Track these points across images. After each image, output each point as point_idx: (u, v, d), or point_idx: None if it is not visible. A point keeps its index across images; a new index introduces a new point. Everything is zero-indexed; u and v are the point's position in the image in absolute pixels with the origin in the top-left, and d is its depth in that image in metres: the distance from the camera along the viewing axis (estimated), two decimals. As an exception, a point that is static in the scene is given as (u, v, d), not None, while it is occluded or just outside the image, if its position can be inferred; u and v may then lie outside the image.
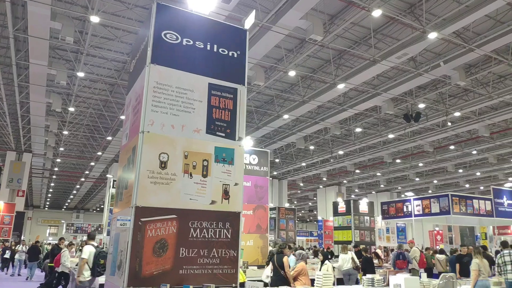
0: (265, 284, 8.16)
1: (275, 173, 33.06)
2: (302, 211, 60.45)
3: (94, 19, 11.73)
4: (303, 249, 15.92)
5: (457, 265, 10.86)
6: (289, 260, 7.89)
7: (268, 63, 15.36)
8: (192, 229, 4.13)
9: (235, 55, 4.79)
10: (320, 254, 10.90)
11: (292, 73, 15.56)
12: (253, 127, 22.05)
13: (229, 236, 4.31)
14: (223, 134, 4.47)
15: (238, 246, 4.36)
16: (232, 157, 4.48)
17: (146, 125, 4.12)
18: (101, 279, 7.37)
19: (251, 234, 10.20)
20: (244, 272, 8.47)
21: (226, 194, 4.35)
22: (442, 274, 6.52)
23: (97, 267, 7.12)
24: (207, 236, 4.19)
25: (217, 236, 4.25)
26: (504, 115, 19.11)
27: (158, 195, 4.03)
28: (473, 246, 8.82)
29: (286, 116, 20.00)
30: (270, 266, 8.00)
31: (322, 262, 10.00)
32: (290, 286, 7.12)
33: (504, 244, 8.59)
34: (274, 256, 7.72)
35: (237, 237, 4.37)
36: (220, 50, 4.69)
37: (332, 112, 19.93)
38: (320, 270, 9.81)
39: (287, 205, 34.10)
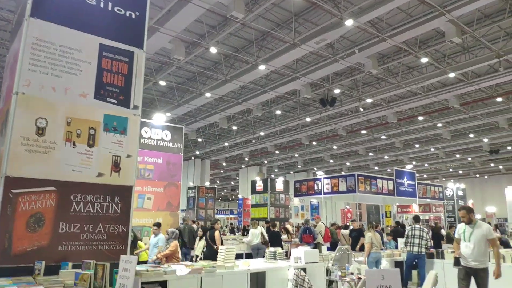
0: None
1: (197, 152, 32.69)
2: (225, 190, 60.97)
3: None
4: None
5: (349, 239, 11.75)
6: (159, 238, 7.46)
7: (189, 38, 14.82)
8: (74, 203, 3.79)
9: (133, 16, 4.41)
10: (200, 229, 11.08)
11: (213, 50, 15.21)
12: (173, 104, 21.38)
13: (119, 211, 4.04)
14: (115, 101, 4.12)
15: (129, 222, 4.11)
16: (125, 127, 4.16)
17: (21, 86, 3.64)
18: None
19: (160, 212, 9.86)
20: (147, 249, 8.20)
21: (116, 167, 4.04)
22: (339, 247, 6.92)
23: None
24: (92, 211, 3.89)
25: (104, 211, 3.95)
26: (410, 103, 20.70)
27: (34, 165, 3.61)
28: (370, 222, 9.52)
29: (208, 94, 19.66)
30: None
31: (201, 238, 10.29)
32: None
33: (416, 219, 9.16)
34: (207, 232, 7.52)
35: (128, 212, 4.11)
36: (115, 8, 4.28)
37: (254, 93, 20.03)
38: (197, 245, 10.25)
39: (207, 184, 34.05)
